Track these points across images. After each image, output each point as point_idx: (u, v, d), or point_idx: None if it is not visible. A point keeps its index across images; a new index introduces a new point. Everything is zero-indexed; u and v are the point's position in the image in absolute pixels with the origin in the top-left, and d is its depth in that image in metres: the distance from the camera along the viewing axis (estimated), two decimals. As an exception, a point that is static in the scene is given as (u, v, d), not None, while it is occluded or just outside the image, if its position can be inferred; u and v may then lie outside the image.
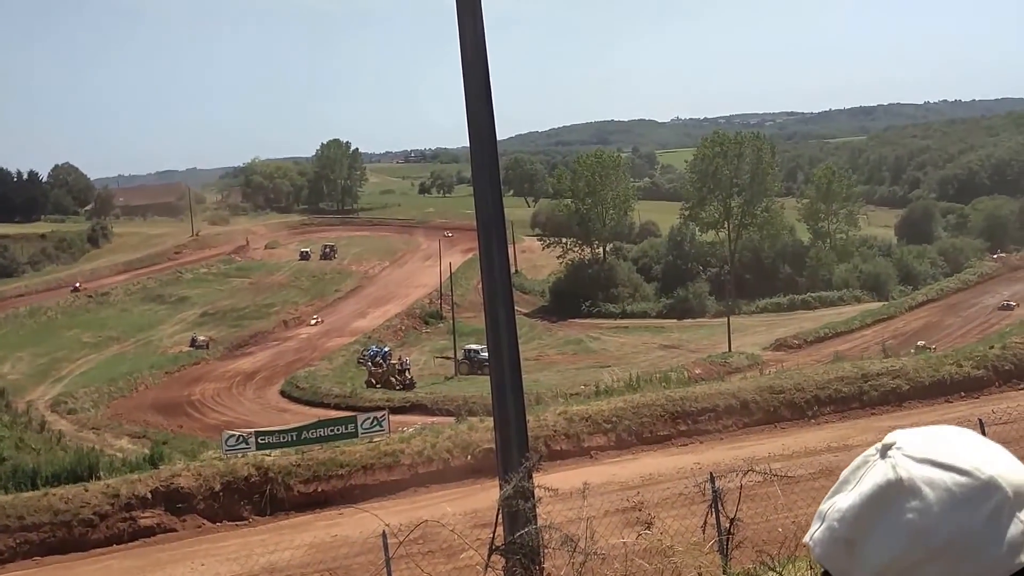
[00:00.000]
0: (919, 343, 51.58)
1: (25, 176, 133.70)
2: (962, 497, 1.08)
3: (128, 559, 25.09)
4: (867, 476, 1.12)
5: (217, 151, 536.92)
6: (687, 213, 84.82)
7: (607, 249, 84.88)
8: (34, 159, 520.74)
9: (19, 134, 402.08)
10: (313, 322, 74.48)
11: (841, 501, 1.13)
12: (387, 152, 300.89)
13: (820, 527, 1.15)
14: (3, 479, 29.97)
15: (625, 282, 79.34)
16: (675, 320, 71.44)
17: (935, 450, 1.12)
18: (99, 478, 29.04)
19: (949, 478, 1.09)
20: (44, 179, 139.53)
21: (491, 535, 8.00)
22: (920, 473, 1.09)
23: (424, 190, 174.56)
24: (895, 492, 1.09)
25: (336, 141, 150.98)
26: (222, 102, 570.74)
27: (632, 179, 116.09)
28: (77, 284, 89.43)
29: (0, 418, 46.29)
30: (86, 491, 27.89)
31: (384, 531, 8.13)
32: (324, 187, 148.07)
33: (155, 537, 27.17)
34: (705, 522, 9.40)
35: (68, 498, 27.57)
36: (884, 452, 1.13)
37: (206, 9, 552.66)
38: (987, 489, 1.08)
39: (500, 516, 8.35)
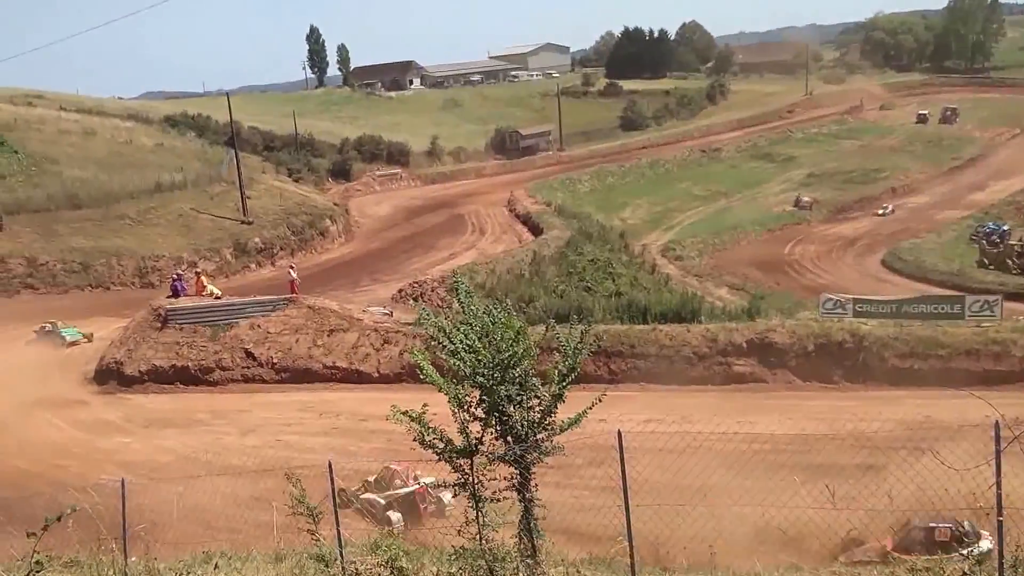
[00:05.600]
0: None
1: (656, 34, 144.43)
2: None
3: (719, 399, 26.97)
4: None
5: (838, 5, 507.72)
6: None
7: None
8: (665, 18, 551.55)
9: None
10: (881, 212, 65.07)
11: None
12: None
13: None
14: (620, 311, 34.15)
15: None
16: None
17: None
18: (700, 322, 31.46)
19: None
20: (672, 37, 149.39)
21: None
22: None
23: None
24: None
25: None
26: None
27: None
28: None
29: (620, 257, 52.37)
30: (688, 331, 30.50)
31: (997, 420, 7.32)
32: (952, 43, 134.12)
33: (745, 384, 28.70)
34: None
35: (672, 335, 30.47)
36: None
37: None
38: None
39: None
